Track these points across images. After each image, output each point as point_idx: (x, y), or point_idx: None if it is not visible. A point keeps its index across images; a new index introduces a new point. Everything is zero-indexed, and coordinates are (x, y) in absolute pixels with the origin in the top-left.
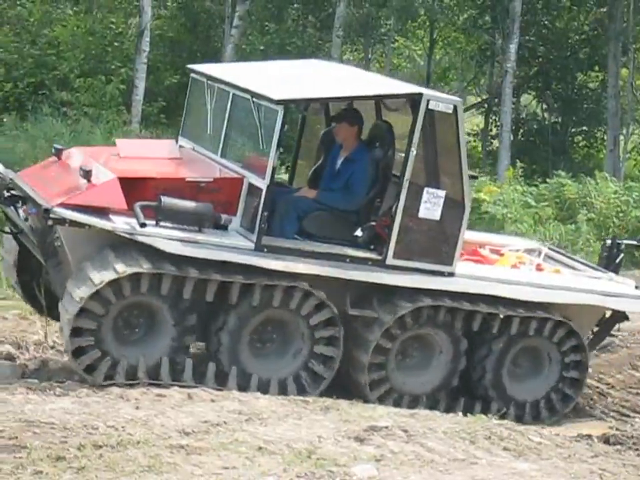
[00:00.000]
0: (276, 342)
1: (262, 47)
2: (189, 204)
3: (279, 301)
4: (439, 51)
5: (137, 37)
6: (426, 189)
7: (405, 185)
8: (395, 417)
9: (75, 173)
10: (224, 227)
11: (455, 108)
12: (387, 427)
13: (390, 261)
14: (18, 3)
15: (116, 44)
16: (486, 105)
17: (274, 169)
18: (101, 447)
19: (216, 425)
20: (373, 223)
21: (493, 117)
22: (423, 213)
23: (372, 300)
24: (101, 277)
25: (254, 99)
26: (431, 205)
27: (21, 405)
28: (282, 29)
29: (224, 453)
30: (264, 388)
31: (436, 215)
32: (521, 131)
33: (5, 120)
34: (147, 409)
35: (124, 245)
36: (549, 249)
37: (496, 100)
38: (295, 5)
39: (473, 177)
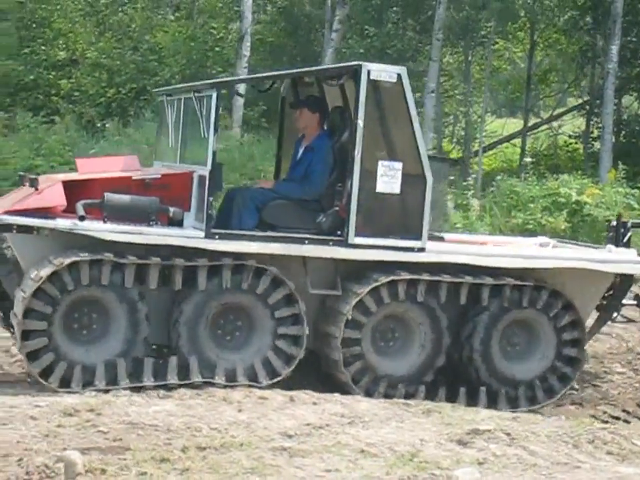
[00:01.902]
0: (239, 329)
1: (362, 51)
2: (134, 198)
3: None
4: (539, 52)
5: (238, 42)
6: (380, 162)
7: (357, 159)
8: (497, 420)
9: (29, 190)
10: (179, 224)
11: (399, 77)
12: (489, 430)
13: (352, 239)
14: (120, 9)
15: (217, 49)
16: (587, 107)
17: (214, 153)
18: (204, 448)
19: (318, 428)
20: (337, 208)
21: (595, 119)
22: (380, 187)
23: (336, 280)
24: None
25: (195, 94)
26: (389, 179)
27: (125, 407)
28: (382, 33)
29: (327, 455)
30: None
31: (395, 188)
32: (623, 132)
33: (107, 125)
34: (249, 411)
35: (68, 245)
36: (558, 241)
37: (597, 102)
38: (395, 8)
39: (454, 162)
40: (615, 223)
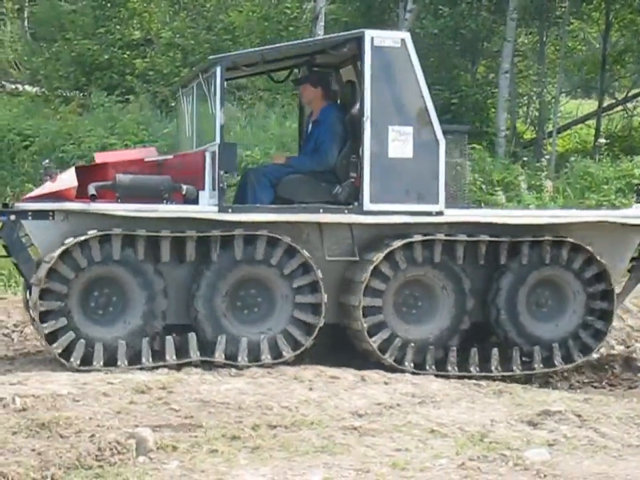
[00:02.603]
0: (257, 302)
1: (435, 31)
2: (145, 177)
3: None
4: (614, 33)
5: (312, 22)
6: (390, 127)
7: (366, 125)
8: (568, 402)
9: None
10: (194, 202)
11: (404, 42)
12: (560, 412)
13: (368, 206)
14: None
15: (290, 29)
16: None
17: (222, 127)
18: (275, 427)
19: (389, 407)
20: (352, 180)
21: None
22: (392, 152)
23: (353, 248)
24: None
25: (202, 74)
26: (400, 143)
27: (197, 385)
28: (456, 12)
29: (397, 435)
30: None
31: (407, 152)
32: None
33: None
34: (320, 390)
35: (84, 228)
36: None
37: None
38: None
39: (459, 131)
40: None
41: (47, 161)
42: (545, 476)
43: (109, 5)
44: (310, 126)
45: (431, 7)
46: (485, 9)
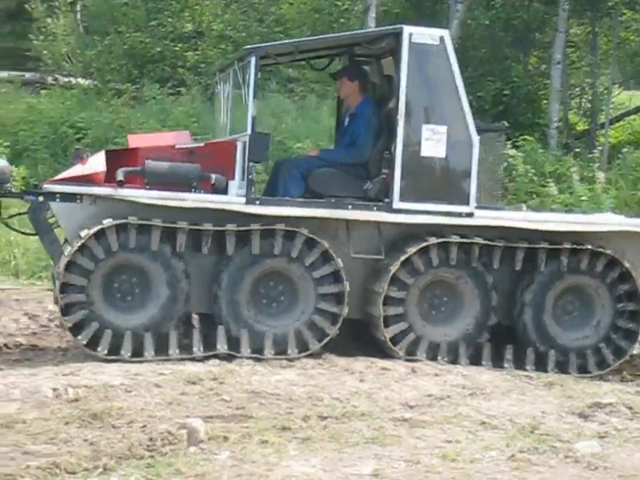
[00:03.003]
0: (281, 295)
1: (487, 22)
2: (174, 165)
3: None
4: None
5: (363, 14)
6: (424, 126)
7: (400, 122)
8: (619, 394)
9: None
10: (224, 192)
11: (442, 39)
12: (611, 404)
13: (397, 204)
14: None
15: (342, 20)
16: None
17: (254, 118)
18: (325, 418)
19: (439, 399)
20: (384, 176)
21: None
22: (425, 151)
23: (380, 246)
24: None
25: (238, 63)
26: (434, 142)
27: (248, 376)
28: (507, 4)
29: (447, 426)
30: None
31: (440, 152)
32: None
33: None
34: (371, 382)
35: (111, 213)
36: None
37: None
38: None
39: (495, 130)
40: None
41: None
42: (595, 468)
43: None
44: (346, 119)
45: None
46: None
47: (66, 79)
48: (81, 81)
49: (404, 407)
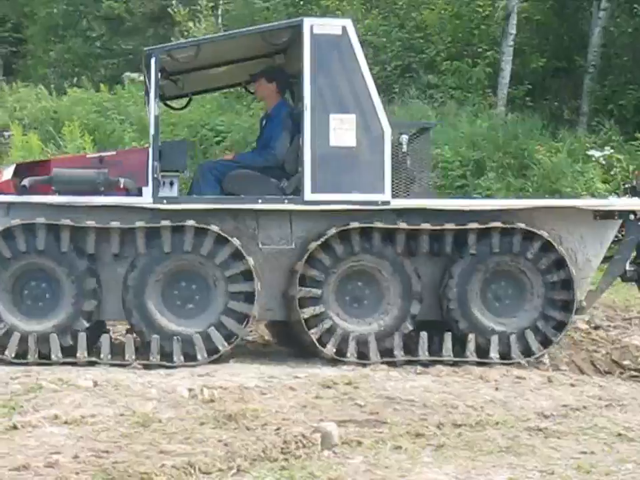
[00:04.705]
0: (192, 295)
1: (630, 30)
2: (81, 171)
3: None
4: None
5: (504, 20)
6: (332, 116)
7: (306, 114)
8: None
9: None
10: (138, 195)
11: (344, 29)
12: None
13: (308, 196)
14: None
15: (482, 27)
16: None
17: (156, 118)
18: (459, 425)
19: (575, 409)
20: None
21: None
22: (334, 140)
23: (290, 237)
24: None
25: (145, 67)
26: (342, 132)
27: (383, 381)
28: None
29: (583, 437)
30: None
31: (350, 141)
32: None
33: None
34: (506, 390)
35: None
36: None
37: None
38: None
39: (425, 129)
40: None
41: None
42: None
43: (301, 2)
44: (264, 121)
45: (625, 5)
46: None
47: None
48: None
49: (539, 416)
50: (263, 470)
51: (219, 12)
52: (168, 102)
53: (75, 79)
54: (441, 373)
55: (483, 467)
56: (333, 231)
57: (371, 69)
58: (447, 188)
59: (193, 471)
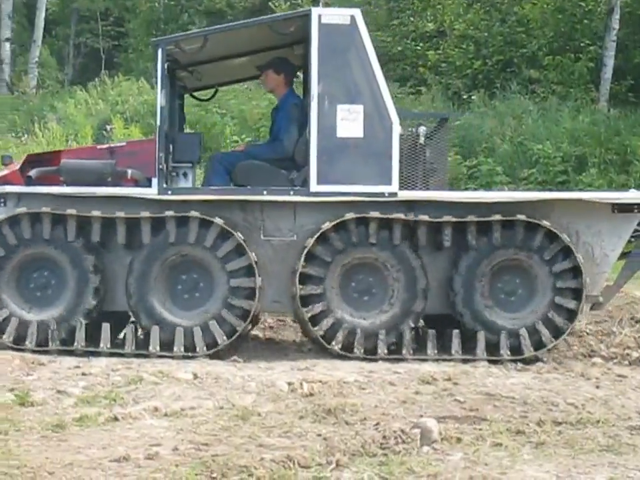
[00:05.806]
0: (198, 285)
1: None
2: (89, 162)
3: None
4: None
5: (607, 15)
6: (339, 106)
7: (314, 104)
8: None
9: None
10: (147, 186)
11: (353, 18)
12: None
13: (314, 187)
14: None
15: (585, 21)
16: None
17: (162, 109)
18: (560, 423)
19: None
20: None
21: None
22: (342, 131)
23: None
24: None
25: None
26: (350, 122)
27: (483, 377)
28: None
29: None
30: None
31: (357, 132)
32: None
33: (473, 97)
34: (607, 388)
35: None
36: None
37: None
38: None
39: (444, 120)
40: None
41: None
42: None
43: None
44: (274, 113)
45: None
46: None
47: None
48: None
49: None
50: (362, 465)
51: (320, 5)
52: (194, 93)
53: None
54: (541, 369)
55: (584, 465)
56: (328, 224)
57: (472, 64)
58: (548, 184)
59: (292, 465)
